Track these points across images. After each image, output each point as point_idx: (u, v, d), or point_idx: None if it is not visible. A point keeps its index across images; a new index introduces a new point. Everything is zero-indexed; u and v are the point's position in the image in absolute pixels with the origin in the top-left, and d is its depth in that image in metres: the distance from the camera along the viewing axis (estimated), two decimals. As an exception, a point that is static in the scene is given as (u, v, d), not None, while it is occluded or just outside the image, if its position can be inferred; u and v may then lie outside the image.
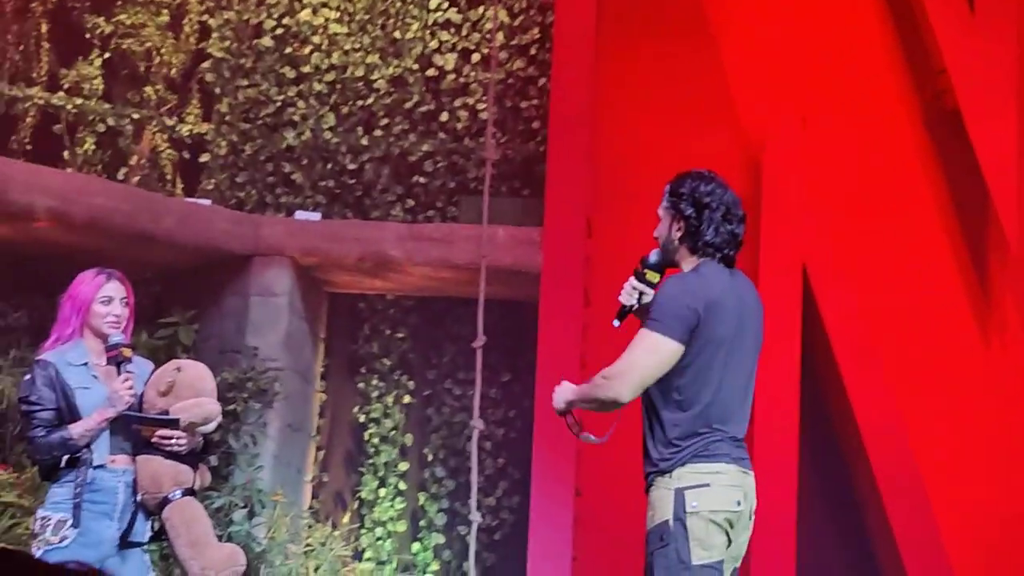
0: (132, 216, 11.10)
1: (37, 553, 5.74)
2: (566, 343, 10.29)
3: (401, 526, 12.38)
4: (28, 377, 5.91)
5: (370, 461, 12.32)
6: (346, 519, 11.94)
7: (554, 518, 10.10)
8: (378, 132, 12.65)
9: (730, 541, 5.19)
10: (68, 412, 5.89)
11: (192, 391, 6.18)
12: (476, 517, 10.95)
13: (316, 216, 12.08)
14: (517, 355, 11.79)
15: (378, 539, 12.17)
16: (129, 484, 6.00)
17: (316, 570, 10.99)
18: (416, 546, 12.36)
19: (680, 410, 5.22)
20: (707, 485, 5.14)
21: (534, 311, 10.61)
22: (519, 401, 12.08)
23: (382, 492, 12.31)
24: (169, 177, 12.98)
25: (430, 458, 12.55)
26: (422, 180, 12.54)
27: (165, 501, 5.99)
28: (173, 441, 6.02)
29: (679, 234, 5.34)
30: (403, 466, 12.48)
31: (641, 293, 5.52)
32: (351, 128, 12.69)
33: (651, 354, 5.19)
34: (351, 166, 12.61)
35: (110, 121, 12.84)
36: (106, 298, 6.05)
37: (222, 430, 11.17)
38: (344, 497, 12.33)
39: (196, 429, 6.12)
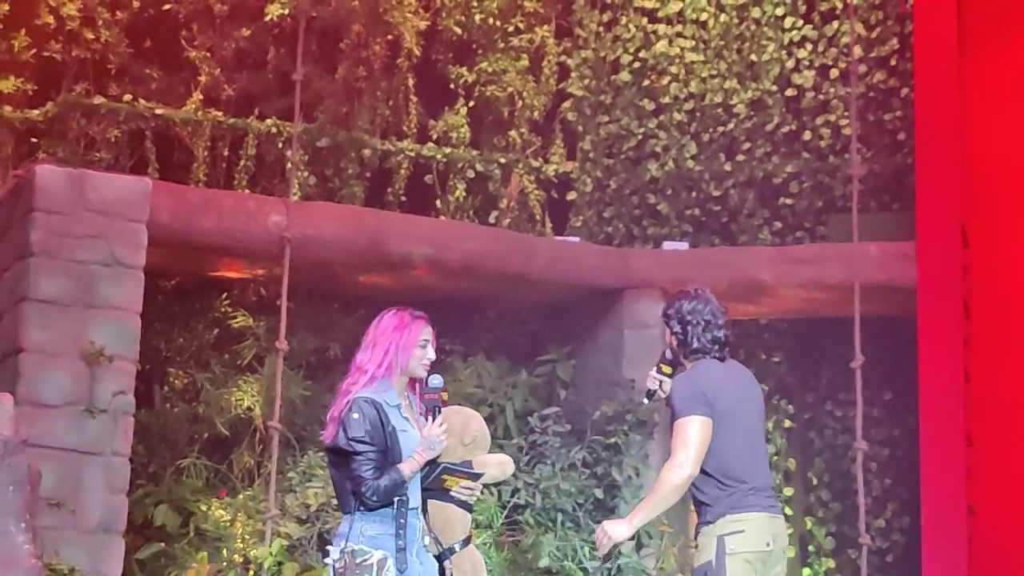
0: (505, 258, 11.34)
1: None
2: (947, 357, 10.00)
3: (790, 552, 12.24)
4: (356, 416, 5.80)
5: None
6: (733, 547, 11.85)
7: (947, 537, 9.80)
8: (740, 157, 12.61)
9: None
10: (390, 454, 5.84)
11: (486, 443, 6.41)
12: (866, 540, 10.72)
13: (684, 245, 12.10)
14: (897, 372, 11.53)
15: (767, 565, 12.05)
16: (423, 527, 6.00)
17: (706, 599, 10.95)
18: (806, 571, 12.20)
19: (705, 475, 6.26)
20: (742, 531, 6.18)
21: (912, 327, 10.35)
22: (903, 419, 11.80)
23: (768, 518, 12.19)
24: (538, 217, 13.23)
25: (815, 482, 12.39)
26: (788, 201, 12.43)
27: (451, 550, 6.07)
28: (471, 492, 6.10)
29: (675, 344, 6.47)
30: (788, 491, 12.35)
31: (661, 381, 6.57)
32: (713, 155, 12.68)
33: (695, 432, 6.19)
34: (716, 193, 12.60)
35: (478, 167, 13.18)
36: (424, 341, 6.01)
37: (605, 463, 11.29)
38: (730, 525, 12.25)
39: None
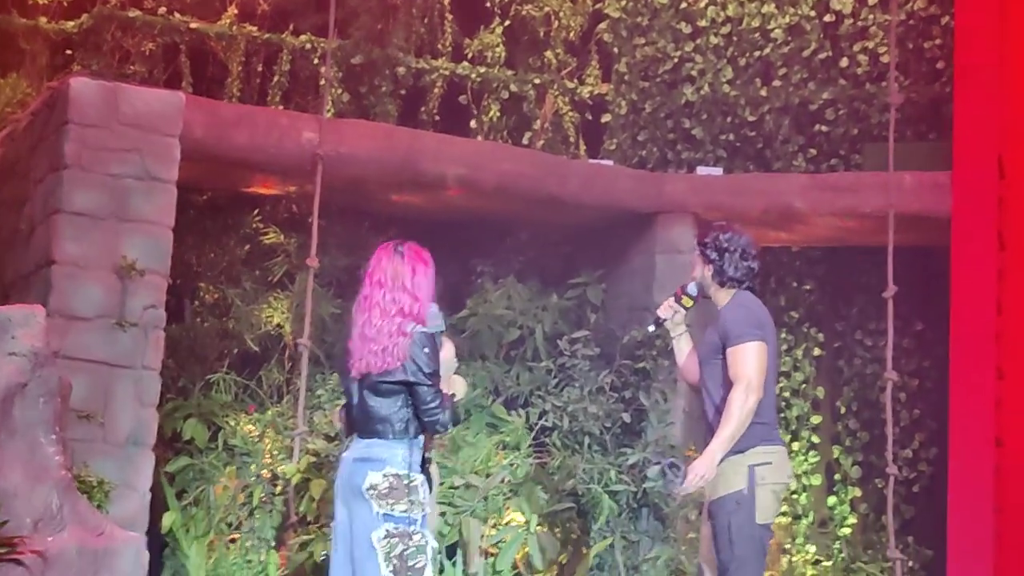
0: (538, 180, 11.30)
1: (416, 516, 6.09)
2: (980, 289, 9.96)
3: (816, 480, 12.27)
4: (428, 350, 6.15)
5: (781, 415, 12.23)
6: (759, 473, 11.87)
7: (974, 469, 9.79)
8: (777, 82, 12.51)
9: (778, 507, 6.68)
10: None
11: (454, 366, 6.74)
12: (893, 470, 10.72)
13: (718, 171, 12.02)
14: (929, 303, 11.49)
15: (793, 493, 12.08)
16: None
17: (731, 524, 10.97)
18: (832, 499, 12.23)
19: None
20: (770, 463, 6.53)
21: (946, 257, 10.30)
22: (933, 350, 11.77)
23: (795, 446, 12.22)
24: (572, 139, 13.17)
25: (843, 411, 12.39)
26: (824, 129, 12.34)
27: (428, 459, 6.45)
28: None
29: (709, 273, 6.77)
30: (815, 419, 12.36)
31: (675, 312, 6.92)
32: (749, 80, 12.59)
33: (755, 355, 6.50)
34: (751, 118, 12.52)
35: (513, 88, 13.11)
36: None
37: (633, 387, 11.30)
38: (757, 451, 12.27)
39: None
